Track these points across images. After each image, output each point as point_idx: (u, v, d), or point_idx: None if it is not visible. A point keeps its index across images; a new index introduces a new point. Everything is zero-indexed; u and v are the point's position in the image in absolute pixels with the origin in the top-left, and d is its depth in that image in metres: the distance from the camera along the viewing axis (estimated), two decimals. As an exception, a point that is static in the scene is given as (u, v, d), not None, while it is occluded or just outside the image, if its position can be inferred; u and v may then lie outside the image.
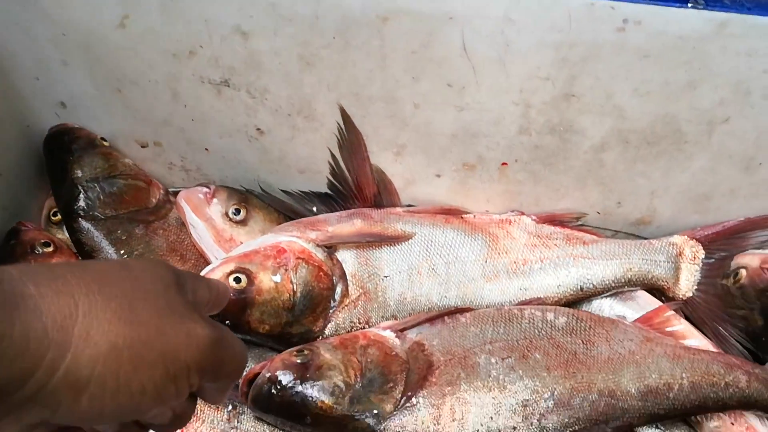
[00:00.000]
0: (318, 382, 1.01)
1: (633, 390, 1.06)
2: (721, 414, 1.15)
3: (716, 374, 1.10)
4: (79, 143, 1.24)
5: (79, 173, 1.23)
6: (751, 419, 1.16)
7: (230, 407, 1.06)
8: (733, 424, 1.16)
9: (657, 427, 1.12)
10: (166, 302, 0.57)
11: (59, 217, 1.30)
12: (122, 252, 1.20)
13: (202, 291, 0.65)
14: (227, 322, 1.10)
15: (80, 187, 1.22)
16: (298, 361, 1.03)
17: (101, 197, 1.22)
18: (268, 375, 1.02)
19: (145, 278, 0.57)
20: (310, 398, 1.00)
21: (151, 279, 0.57)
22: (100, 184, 1.23)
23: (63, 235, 1.31)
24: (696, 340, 1.19)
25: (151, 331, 0.54)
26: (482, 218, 1.27)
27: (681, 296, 1.23)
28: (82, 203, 1.22)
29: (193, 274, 0.67)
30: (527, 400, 1.03)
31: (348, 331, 1.14)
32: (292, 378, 1.01)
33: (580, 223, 1.29)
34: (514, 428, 1.02)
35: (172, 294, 0.58)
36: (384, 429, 1.01)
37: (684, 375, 1.09)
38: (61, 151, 1.24)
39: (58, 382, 0.48)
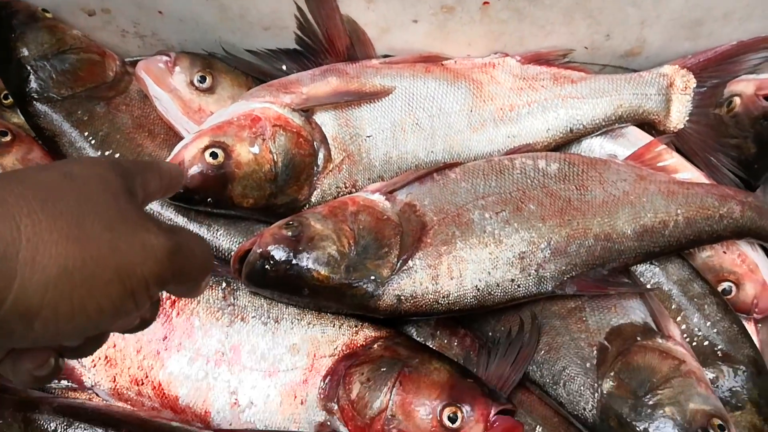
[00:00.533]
0: (312, 254, 0.99)
1: (629, 231, 1.05)
2: (714, 244, 1.16)
3: (711, 207, 1.09)
4: (18, 18, 1.12)
5: (24, 52, 1.12)
6: (743, 246, 1.17)
7: (224, 284, 1.04)
8: (725, 252, 1.17)
9: (652, 263, 1.12)
10: (117, 213, 0.52)
11: (11, 100, 1.21)
12: (86, 134, 1.13)
13: (154, 182, 0.61)
14: (209, 199, 1.05)
15: (29, 67, 1.12)
16: (289, 234, 1.00)
17: (54, 76, 1.12)
18: (259, 251, 0.99)
19: (91, 187, 0.52)
20: (306, 270, 0.98)
21: (98, 187, 0.52)
22: (50, 62, 1.12)
23: (19, 119, 1.22)
24: (689, 172, 1.17)
25: (103, 248, 0.49)
26: (464, 64, 1.19)
27: (672, 129, 1.20)
28: (34, 85, 1.12)
29: (141, 163, 0.62)
30: (524, 252, 1.02)
31: (335, 197, 1.11)
32: (284, 252, 0.99)
33: (567, 60, 1.22)
34: (512, 280, 1.02)
35: (122, 202, 0.53)
36: (383, 293, 1.00)
37: (679, 211, 1.08)
38: (1, 29, 1.12)
39: (7, 313, 0.45)
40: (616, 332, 1.03)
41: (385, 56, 1.21)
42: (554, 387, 1.02)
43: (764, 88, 1.14)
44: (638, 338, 1.02)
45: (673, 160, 1.17)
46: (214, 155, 1.03)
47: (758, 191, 1.20)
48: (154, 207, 1.12)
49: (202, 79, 1.17)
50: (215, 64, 1.20)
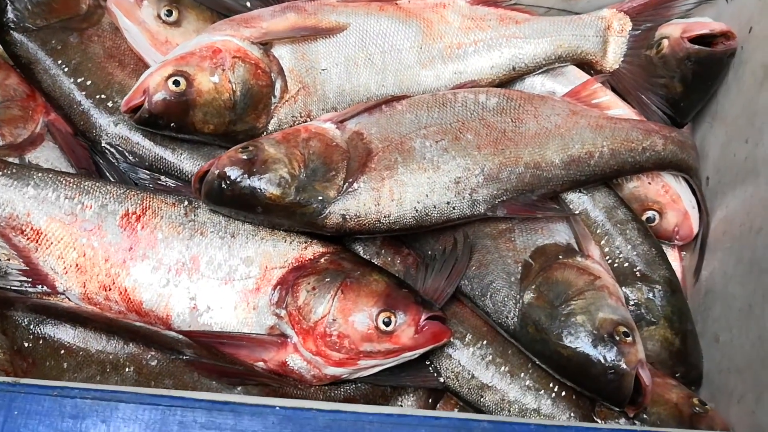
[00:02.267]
0: (265, 175, 1.08)
1: (557, 160, 1.15)
2: (640, 176, 1.26)
3: (635, 140, 1.19)
4: (-6, -49, 1.19)
5: (0, -17, 1.19)
6: (667, 178, 1.27)
7: (186, 203, 1.14)
8: (650, 183, 1.27)
9: (580, 191, 1.22)
10: None
11: (-10, 30, 1.28)
12: (60, 62, 1.21)
13: None
14: (173, 124, 1.14)
15: (5, -2, 1.19)
16: (244, 156, 1.09)
17: (29, 7, 1.20)
18: (217, 171, 1.08)
19: None
20: (259, 190, 1.08)
21: None
22: (25, -7, 1.20)
23: (-2, 48, 1.30)
24: (620, 109, 1.26)
25: None
26: (417, 3, 1.27)
27: (608, 69, 1.29)
28: (10, 15, 1.20)
29: None
30: (459, 177, 1.12)
31: (290, 126, 1.20)
32: (240, 173, 1.08)
33: (513, 2, 1.30)
34: (448, 203, 1.12)
35: None
36: (329, 213, 1.09)
37: (605, 143, 1.17)
38: (-22, -39, 1.19)
39: None
40: (541, 251, 1.13)
41: (343, -6, 1.28)
42: (482, 299, 1.13)
43: (689, 31, 1.22)
44: (560, 257, 1.12)
45: (606, 97, 1.26)
46: (176, 83, 1.12)
47: (685, 128, 1.30)
48: (121, 132, 1.21)
49: (169, 13, 1.25)
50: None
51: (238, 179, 1.08)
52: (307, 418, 0.65)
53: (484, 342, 1.14)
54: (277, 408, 0.65)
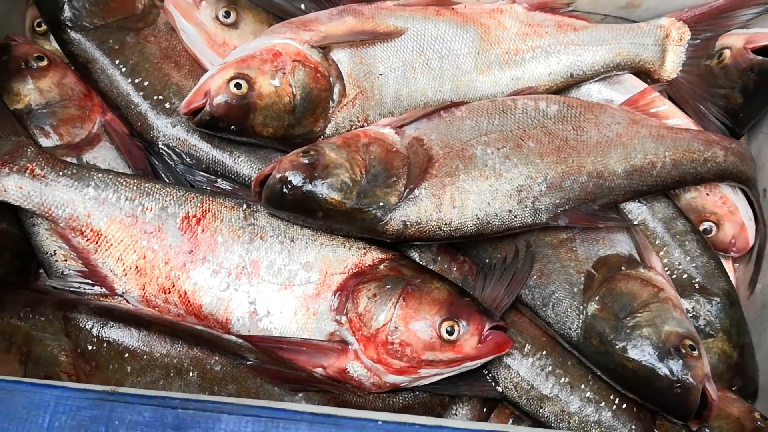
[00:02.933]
0: (326, 180, 1.07)
1: (620, 170, 1.14)
2: (698, 186, 1.25)
3: (696, 151, 1.18)
4: (54, -51, 1.19)
5: (59, -18, 1.18)
6: (725, 189, 1.26)
7: (245, 206, 1.13)
8: (708, 194, 1.26)
9: (639, 201, 1.21)
10: None
11: (44, 27, 1.28)
12: (117, 62, 1.20)
13: None
14: (233, 127, 1.13)
15: (63, -3, 1.18)
16: (306, 161, 1.08)
17: (86, 6, 1.19)
18: (278, 176, 1.07)
19: None
20: (320, 195, 1.07)
21: None
22: (83, -8, 1.19)
23: (51, 46, 1.29)
24: (678, 119, 1.25)
25: None
26: (473, 8, 1.26)
27: (666, 78, 1.27)
28: (68, 13, 1.19)
29: None
30: (522, 185, 1.11)
31: (348, 130, 1.19)
32: (301, 177, 1.07)
33: (570, 9, 1.29)
34: (510, 211, 1.11)
35: None
36: (390, 219, 1.08)
37: (666, 153, 1.16)
38: (36, -40, 1.19)
39: None
40: (603, 261, 1.12)
41: (399, -2, 1.27)
42: (543, 309, 1.12)
43: (753, 42, 1.21)
44: (623, 267, 1.11)
45: (665, 107, 1.25)
46: (238, 86, 1.11)
47: (742, 139, 1.29)
48: (178, 133, 1.20)
49: (227, 14, 1.24)
50: (239, 1, 1.26)
51: (300, 184, 1.07)
52: (411, 431, 0.64)
53: (544, 352, 1.13)
54: (380, 422, 0.64)
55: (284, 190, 1.07)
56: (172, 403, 0.65)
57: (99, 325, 1.01)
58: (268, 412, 0.66)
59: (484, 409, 1.16)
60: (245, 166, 1.21)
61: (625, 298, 1.07)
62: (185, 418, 0.64)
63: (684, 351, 1.02)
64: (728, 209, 1.25)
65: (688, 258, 1.20)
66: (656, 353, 1.02)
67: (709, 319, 1.18)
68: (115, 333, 1.01)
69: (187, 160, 1.20)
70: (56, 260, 1.12)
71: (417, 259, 1.20)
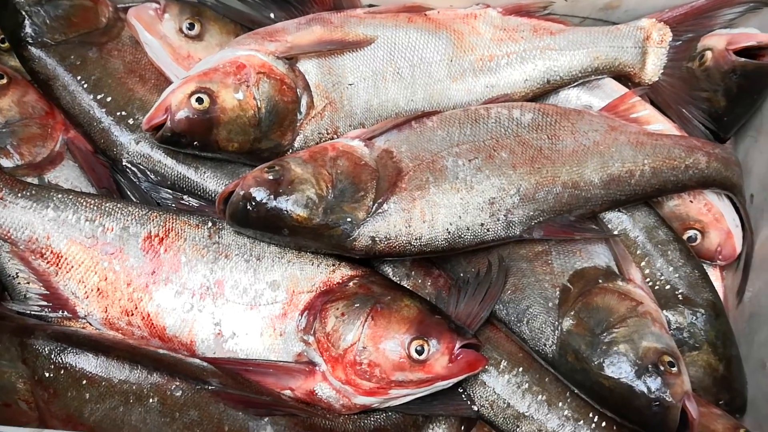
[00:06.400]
0: (291, 196, 1.04)
1: (596, 180, 1.10)
2: (682, 194, 1.20)
3: (677, 158, 1.14)
4: (13, -35, 1.16)
5: (19, -3, 1.16)
6: (709, 196, 1.22)
7: (210, 224, 1.10)
8: (692, 201, 1.22)
9: (619, 210, 1.17)
10: None
11: (8, 44, 1.25)
12: (79, 78, 1.17)
13: None
14: (196, 143, 1.10)
15: (24, 13, 1.16)
16: (270, 177, 1.05)
17: (48, 21, 1.17)
18: (242, 192, 1.04)
19: None
20: (285, 211, 1.04)
21: None
22: (44, 8, 1.16)
23: (15, 62, 1.26)
24: (660, 124, 1.21)
25: None
26: (446, 14, 1.22)
27: (647, 81, 1.23)
28: (28, 29, 1.16)
29: None
30: (494, 197, 1.07)
31: (317, 143, 1.15)
32: (265, 193, 1.04)
33: (547, 12, 1.25)
34: (482, 224, 1.07)
35: None
36: (358, 235, 1.05)
37: (646, 161, 1.12)
38: (-4, -25, 1.16)
39: None
40: (580, 275, 1.08)
41: (370, 5, 1.24)
42: (518, 324, 1.08)
43: (735, 43, 1.17)
44: (600, 280, 1.07)
45: (646, 111, 1.21)
46: (199, 100, 1.08)
47: (727, 144, 1.24)
48: (143, 150, 1.17)
49: (191, 26, 1.21)
50: (204, 12, 1.24)
51: (264, 200, 1.04)
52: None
53: (520, 369, 1.09)
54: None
55: (249, 207, 1.04)
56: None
57: (56, 352, 0.98)
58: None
59: (462, 428, 1.12)
60: (212, 182, 1.18)
61: (602, 313, 1.03)
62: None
63: (663, 368, 0.98)
64: (713, 216, 1.21)
65: (671, 268, 1.16)
66: (633, 370, 0.98)
67: (694, 332, 1.14)
68: (73, 359, 0.98)
69: (152, 177, 1.17)
70: (18, 283, 1.09)
71: (390, 275, 1.16)
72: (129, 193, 1.17)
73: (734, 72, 1.17)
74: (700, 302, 1.15)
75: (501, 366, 1.09)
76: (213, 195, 1.17)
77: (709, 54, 1.19)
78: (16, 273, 1.09)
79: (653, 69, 1.23)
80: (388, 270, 1.17)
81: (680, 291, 1.15)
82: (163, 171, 1.17)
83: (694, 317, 1.14)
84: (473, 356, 1.01)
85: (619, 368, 0.99)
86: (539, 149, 1.10)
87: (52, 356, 0.98)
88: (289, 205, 1.04)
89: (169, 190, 1.16)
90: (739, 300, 1.22)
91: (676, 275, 1.16)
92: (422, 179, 1.08)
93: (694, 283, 1.16)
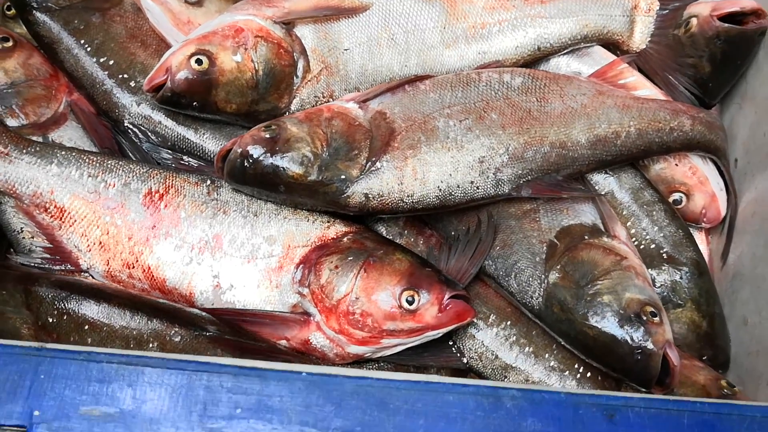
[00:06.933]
0: (288, 154, 1.07)
1: (583, 140, 1.14)
2: (667, 157, 1.24)
3: (662, 120, 1.17)
4: (18, -69, 1.20)
5: (24, -37, 1.19)
6: (694, 160, 1.25)
7: (209, 182, 1.13)
8: (677, 165, 1.25)
9: (607, 172, 1.20)
10: None
11: (14, 11, 1.29)
12: (82, 42, 1.21)
13: None
14: (195, 103, 1.14)
15: (28, -22, 1.19)
16: (267, 135, 1.09)
17: (51, -13, 1.20)
18: (239, 150, 1.08)
19: None
20: (281, 168, 1.07)
21: None
22: (48, -26, 1.20)
23: (21, 29, 1.30)
24: (647, 90, 1.24)
25: None
26: (440, -18, 1.26)
27: (635, 49, 1.27)
28: (33, -5, 1.20)
29: None
30: (483, 156, 1.11)
31: (313, 106, 1.19)
32: (262, 151, 1.07)
33: (538, -19, 1.28)
34: (472, 182, 1.10)
35: None
36: (352, 192, 1.09)
37: (632, 123, 1.16)
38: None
39: None
40: (566, 231, 1.12)
41: (365, -26, 1.27)
42: (506, 278, 1.12)
43: (719, 9, 1.20)
44: (586, 237, 1.11)
45: (633, 78, 1.24)
46: (199, 62, 1.12)
47: (713, 110, 1.28)
48: (144, 111, 1.21)
49: (191, -8, 1.25)
50: (204, -21, 1.27)
51: (261, 158, 1.07)
52: (335, 383, 0.64)
53: (508, 323, 1.12)
54: (304, 374, 0.65)
55: (246, 164, 1.08)
56: (97, 357, 0.65)
57: (60, 298, 1.02)
58: (192, 365, 0.66)
59: (452, 382, 1.16)
60: (210, 143, 1.21)
61: (587, 267, 1.07)
62: (110, 372, 0.64)
63: (645, 317, 1.02)
64: (698, 179, 1.24)
65: (656, 228, 1.19)
66: (616, 320, 1.02)
67: (677, 289, 1.17)
68: (76, 305, 1.02)
69: (153, 138, 1.21)
70: (23, 238, 1.12)
71: (384, 234, 1.20)
72: (130, 153, 1.20)
73: (718, 38, 1.21)
74: (684, 261, 1.18)
75: (489, 320, 1.13)
76: (212, 156, 1.20)
77: (694, 21, 1.22)
78: (21, 228, 1.12)
79: (641, 37, 1.26)
80: (382, 229, 1.20)
81: (665, 250, 1.19)
82: (163, 132, 1.21)
83: (678, 275, 1.18)
84: (462, 307, 1.04)
85: (602, 318, 1.03)
86: (528, 111, 1.14)
87: (56, 303, 1.02)
88: (286, 162, 1.07)
89: (169, 151, 1.20)
90: (723, 262, 1.25)
91: (661, 235, 1.19)
92: (414, 139, 1.11)
93: (678, 242, 1.19)
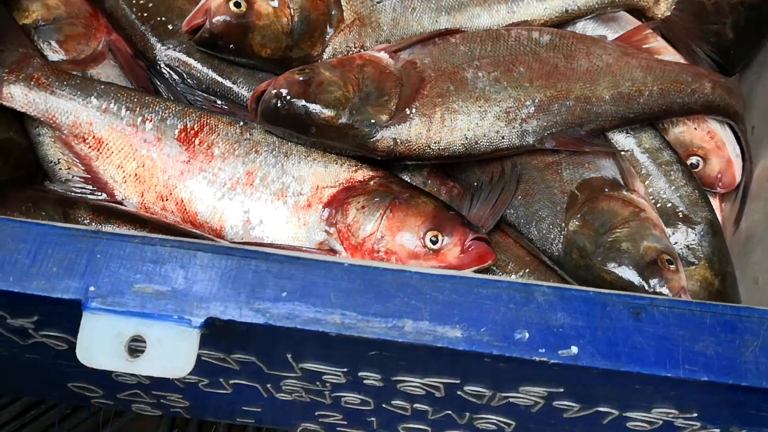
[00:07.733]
0: (320, 96, 1.11)
1: (607, 96, 1.17)
2: (686, 120, 1.27)
3: (684, 82, 1.20)
4: None
5: None
6: (713, 125, 1.28)
7: (241, 123, 1.17)
8: (696, 128, 1.28)
9: (627, 132, 1.24)
10: None
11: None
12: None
13: None
14: (231, 46, 1.17)
15: None
16: (301, 78, 1.12)
17: None
18: (274, 91, 1.11)
19: None
20: (314, 110, 1.11)
21: None
22: None
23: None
24: (670, 56, 1.27)
25: None
26: (472, -58, 1.29)
27: (660, 15, 1.30)
28: (76, -64, 1.23)
29: None
30: (510, 107, 1.14)
31: (344, 55, 1.22)
32: (295, 93, 1.11)
33: (568, -55, 1.31)
34: (498, 132, 1.14)
35: None
36: (381, 136, 1.12)
37: (654, 83, 1.19)
38: None
39: None
40: (587, 183, 1.15)
41: (400, -69, 1.30)
42: (527, 226, 1.15)
43: (744, -25, 1.23)
44: (606, 189, 1.14)
45: (657, 43, 1.27)
46: (237, 5, 1.15)
47: (734, 78, 1.31)
48: (179, 55, 1.24)
49: (231, -59, 1.28)
50: (243, -71, 1.30)
51: (294, 99, 1.11)
52: (375, 273, 0.68)
53: (527, 270, 1.16)
54: (347, 264, 0.68)
55: (279, 105, 1.11)
56: (151, 241, 0.69)
57: (97, 222, 1.05)
58: (241, 252, 0.70)
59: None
60: (244, 87, 1.24)
61: (606, 216, 1.10)
62: (163, 254, 0.68)
63: (661, 265, 1.05)
64: (715, 144, 1.28)
65: (673, 187, 1.22)
66: (634, 266, 1.05)
67: (692, 247, 1.20)
68: (112, 229, 1.05)
69: (188, 80, 1.24)
70: (60, 168, 1.16)
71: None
72: (165, 94, 1.23)
73: (742, 4, 1.24)
74: (699, 220, 1.21)
75: (508, 267, 1.16)
76: (245, 100, 1.24)
77: (719, -14, 1.26)
78: (58, 159, 1.16)
79: (666, 3, 1.29)
80: (406, 177, 1.23)
81: (680, 209, 1.22)
82: (198, 75, 1.24)
83: (693, 234, 1.20)
84: (483, 248, 1.08)
85: (620, 264, 1.06)
86: (555, 66, 1.17)
87: (92, 225, 1.05)
88: (318, 104, 1.11)
89: (203, 93, 1.23)
90: (736, 227, 1.28)
91: (677, 194, 1.22)
92: (443, 88, 1.14)
93: (694, 202, 1.22)
